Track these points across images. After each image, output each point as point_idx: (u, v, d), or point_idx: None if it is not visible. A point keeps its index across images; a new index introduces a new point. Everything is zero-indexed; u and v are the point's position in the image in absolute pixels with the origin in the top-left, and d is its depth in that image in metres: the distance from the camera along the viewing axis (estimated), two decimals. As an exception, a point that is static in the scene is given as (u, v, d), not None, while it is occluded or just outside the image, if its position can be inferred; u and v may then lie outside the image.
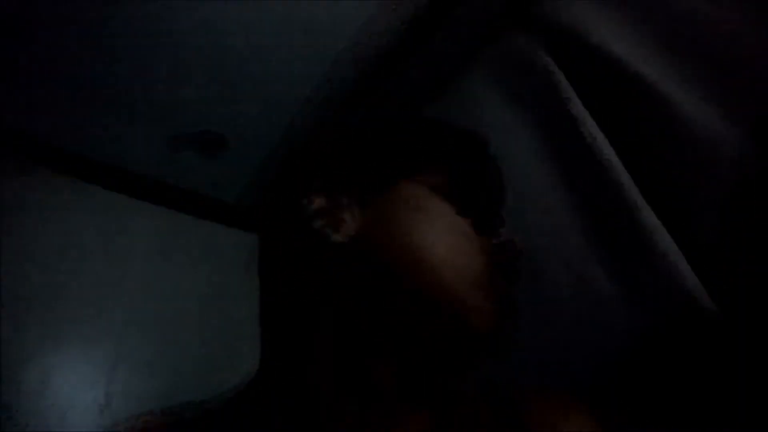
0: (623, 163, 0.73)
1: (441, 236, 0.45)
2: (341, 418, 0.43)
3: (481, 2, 0.82)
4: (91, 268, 0.93)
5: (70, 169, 0.90)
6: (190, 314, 1.02)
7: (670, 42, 0.71)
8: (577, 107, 0.77)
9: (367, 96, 0.88)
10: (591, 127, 0.76)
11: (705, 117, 0.67)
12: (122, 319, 0.93)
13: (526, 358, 0.62)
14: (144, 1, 0.70)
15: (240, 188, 1.11)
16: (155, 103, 0.85)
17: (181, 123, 0.92)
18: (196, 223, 1.11)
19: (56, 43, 0.72)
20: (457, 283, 0.44)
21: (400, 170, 0.48)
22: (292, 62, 0.82)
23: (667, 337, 0.65)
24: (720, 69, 0.67)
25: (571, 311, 0.73)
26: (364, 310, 0.45)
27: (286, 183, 0.51)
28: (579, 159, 0.76)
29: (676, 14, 0.71)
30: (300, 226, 0.46)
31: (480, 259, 0.45)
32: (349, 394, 0.44)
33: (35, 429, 0.82)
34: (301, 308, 0.47)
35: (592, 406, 0.53)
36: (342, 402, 0.44)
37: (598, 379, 0.66)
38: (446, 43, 0.86)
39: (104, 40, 0.73)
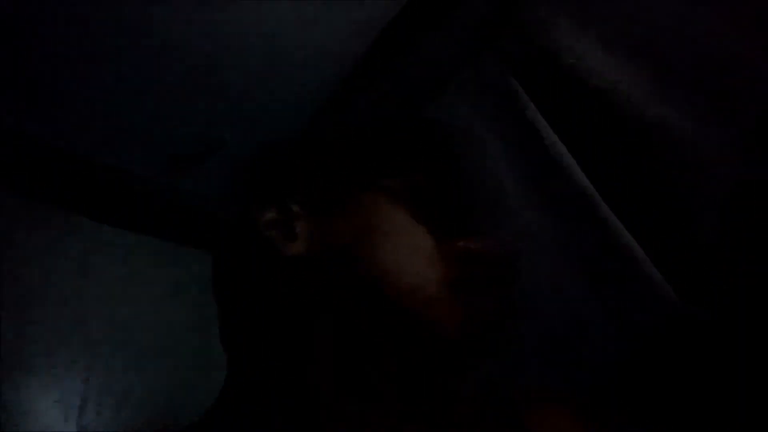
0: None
1: (394, 251, 0.44)
2: (341, 418, 0.43)
3: (478, 4, 0.83)
4: (59, 301, 0.92)
5: (69, 170, 0.90)
6: (160, 342, 1.01)
7: (655, 53, 0.71)
8: (540, 123, 0.78)
9: (366, 95, 0.89)
10: (557, 144, 0.76)
11: (701, 120, 0.67)
12: (89, 353, 0.93)
13: (526, 358, 0.62)
14: (144, 4, 0.70)
15: (239, 189, 1.11)
16: (154, 104, 0.85)
17: (181, 123, 0.92)
18: (166, 249, 1.10)
19: (55, 44, 0.72)
20: (411, 297, 0.43)
21: (357, 180, 0.47)
22: (293, 63, 0.82)
23: (655, 341, 0.65)
24: (715, 72, 0.67)
25: (569, 314, 0.73)
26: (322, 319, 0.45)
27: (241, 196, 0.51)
28: (545, 172, 0.77)
29: (657, 26, 0.71)
30: (253, 238, 0.46)
31: (441, 268, 0.44)
32: (349, 394, 0.44)
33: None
34: (261, 322, 0.47)
35: (592, 406, 0.53)
36: (342, 402, 0.44)
37: (597, 379, 0.66)
38: (445, 43, 0.86)
39: (103, 42, 0.73)
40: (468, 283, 0.44)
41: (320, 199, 0.47)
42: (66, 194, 0.93)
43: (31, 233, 0.89)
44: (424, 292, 0.43)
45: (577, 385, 0.66)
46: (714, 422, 0.57)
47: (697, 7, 0.67)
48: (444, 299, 0.43)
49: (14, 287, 0.86)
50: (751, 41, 0.65)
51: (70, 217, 0.95)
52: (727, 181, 0.64)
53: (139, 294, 1.02)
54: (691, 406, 0.60)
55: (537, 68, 0.79)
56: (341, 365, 0.44)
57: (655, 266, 0.67)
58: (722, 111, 0.66)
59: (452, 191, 0.48)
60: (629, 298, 0.68)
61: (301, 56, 0.80)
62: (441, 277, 0.44)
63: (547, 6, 0.77)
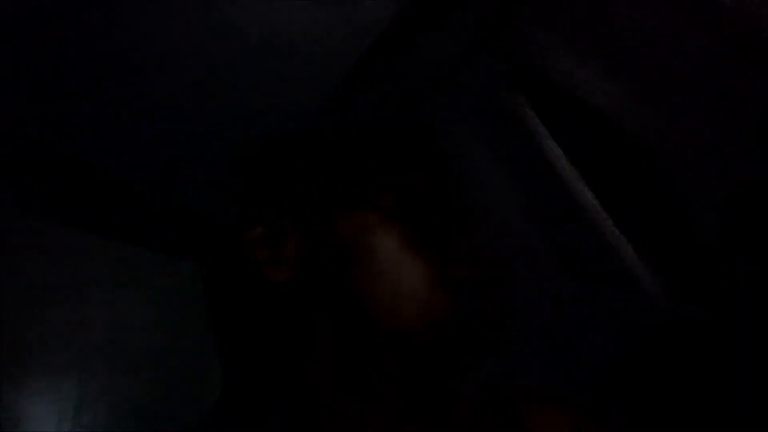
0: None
1: (384, 272, 0.44)
2: (341, 418, 0.43)
3: (477, 5, 0.83)
4: (54, 306, 0.92)
5: (68, 171, 0.90)
6: (155, 346, 1.02)
7: (651, 57, 0.71)
8: (537, 127, 0.78)
9: (366, 95, 0.89)
10: (552, 148, 0.76)
11: (699, 121, 0.67)
12: (86, 356, 0.93)
13: (526, 358, 0.62)
14: (144, 5, 0.70)
15: (238, 190, 1.11)
16: (152, 105, 0.86)
17: (180, 124, 0.92)
18: (160, 255, 1.10)
19: (53, 44, 0.72)
20: (402, 316, 0.43)
21: (349, 194, 0.47)
22: (292, 63, 0.82)
23: (654, 341, 0.65)
24: (714, 73, 0.67)
25: (569, 315, 0.73)
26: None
27: (229, 209, 0.51)
28: (541, 177, 0.77)
29: (653, 31, 0.71)
30: (242, 256, 0.46)
31: (429, 283, 0.44)
32: (349, 394, 0.44)
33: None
34: (257, 324, 0.47)
35: (592, 406, 0.53)
36: (342, 402, 0.44)
37: (597, 379, 0.66)
38: (445, 44, 0.86)
39: (103, 43, 0.73)
40: (464, 286, 0.44)
41: (315, 209, 0.46)
42: (65, 195, 0.93)
43: (29, 236, 0.90)
44: (421, 297, 0.43)
45: (577, 385, 0.66)
46: (714, 422, 0.57)
47: (693, 14, 0.67)
48: (441, 302, 0.43)
49: (13, 290, 0.86)
50: (748, 42, 0.65)
51: (68, 222, 0.95)
52: (727, 181, 0.64)
53: (133, 299, 1.02)
54: (690, 406, 0.60)
55: (533, 72, 0.79)
56: (341, 365, 0.44)
57: (654, 267, 0.68)
58: (721, 111, 0.66)
59: (447, 196, 0.48)
60: (628, 299, 0.68)
61: (300, 56, 0.80)
62: (437, 282, 0.44)
63: (544, 12, 0.77)
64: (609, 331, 0.68)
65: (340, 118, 0.87)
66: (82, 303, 0.95)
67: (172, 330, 1.05)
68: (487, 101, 0.84)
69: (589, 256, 0.71)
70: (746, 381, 0.57)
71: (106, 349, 0.95)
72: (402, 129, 0.52)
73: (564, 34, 0.74)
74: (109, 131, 0.89)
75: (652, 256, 0.70)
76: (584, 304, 0.71)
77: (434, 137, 0.53)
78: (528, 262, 0.75)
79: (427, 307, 0.43)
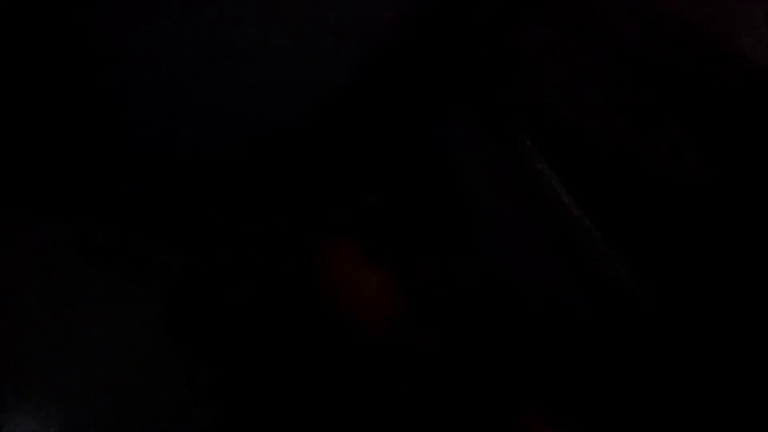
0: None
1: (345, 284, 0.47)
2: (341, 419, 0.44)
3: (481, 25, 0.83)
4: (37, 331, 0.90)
5: (65, 172, 0.89)
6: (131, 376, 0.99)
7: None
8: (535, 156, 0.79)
9: (363, 109, 0.89)
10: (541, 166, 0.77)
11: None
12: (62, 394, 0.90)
13: (523, 357, 0.62)
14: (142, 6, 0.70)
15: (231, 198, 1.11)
16: (150, 107, 0.86)
17: (174, 129, 0.92)
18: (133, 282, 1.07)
19: (50, 43, 0.72)
20: (362, 318, 0.47)
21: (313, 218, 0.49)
22: (295, 64, 0.83)
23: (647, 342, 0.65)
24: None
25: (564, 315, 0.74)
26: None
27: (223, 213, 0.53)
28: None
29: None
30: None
31: (384, 290, 0.47)
32: (349, 395, 0.44)
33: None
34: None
35: (589, 408, 0.53)
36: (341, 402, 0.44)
37: (594, 380, 0.66)
38: (446, 63, 0.86)
39: (102, 45, 0.74)
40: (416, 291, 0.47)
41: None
42: (61, 195, 0.92)
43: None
44: (377, 302, 0.45)
45: (575, 386, 0.66)
46: (713, 422, 0.58)
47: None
48: (395, 304, 0.46)
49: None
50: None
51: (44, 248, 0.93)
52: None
53: (107, 329, 1.00)
54: (688, 407, 0.60)
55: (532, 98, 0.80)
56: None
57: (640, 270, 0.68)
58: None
59: (438, 201, 0.50)
60: (619, 300, 0.68)
61: (301, 56, 0.81)
62: (392, 289, 0.47)
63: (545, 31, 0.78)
64: (605, 332, 0.68)
65: (340, 120, 0.87)
66: (59, 333, 0.92)
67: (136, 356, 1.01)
68: (489, 112, 0.84)
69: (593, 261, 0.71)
70: (745, 381, 0.57)
71: (84, 382, 0.92)
72: (399, 134, 0.53)
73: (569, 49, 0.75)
74: (103, 131, 0.89)
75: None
76: (579, 305, 0.71)
77: (432, 143, 0.54)
78: (522, 271, 0.75)
79: (383, 309, 0.45)
